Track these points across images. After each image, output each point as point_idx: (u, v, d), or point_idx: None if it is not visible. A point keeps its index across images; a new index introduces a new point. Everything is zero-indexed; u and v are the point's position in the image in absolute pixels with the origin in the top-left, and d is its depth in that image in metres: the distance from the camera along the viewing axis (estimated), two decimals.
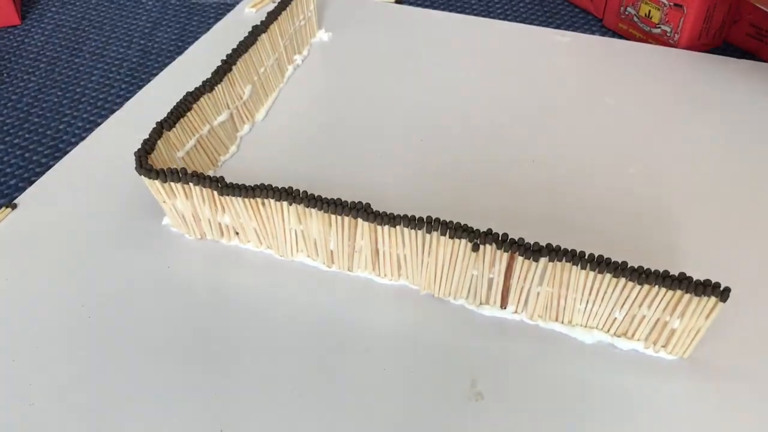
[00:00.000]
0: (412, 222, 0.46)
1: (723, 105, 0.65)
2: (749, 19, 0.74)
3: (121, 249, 0.53)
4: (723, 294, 0.41)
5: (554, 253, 0.43)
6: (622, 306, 0.44)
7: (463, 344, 0.46)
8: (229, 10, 0.84)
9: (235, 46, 0.62)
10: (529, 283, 0.45)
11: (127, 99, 0.70)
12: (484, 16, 0.83)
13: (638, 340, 0.45)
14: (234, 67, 0.61)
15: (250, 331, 0.47)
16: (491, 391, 0.43)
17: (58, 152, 0.65)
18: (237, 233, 0.53)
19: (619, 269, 0.42)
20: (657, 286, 0.42)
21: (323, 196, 0.47)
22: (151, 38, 0.81)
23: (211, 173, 0.59)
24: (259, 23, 0.65)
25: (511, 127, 0.63)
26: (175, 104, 0.56)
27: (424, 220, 0.45)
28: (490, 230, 0.44)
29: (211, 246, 0.53)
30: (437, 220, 0.45)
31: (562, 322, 0.47)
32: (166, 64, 0.75)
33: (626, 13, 0.77)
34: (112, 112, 0.69)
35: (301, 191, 0.47)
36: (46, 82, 0.75)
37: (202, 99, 0.57)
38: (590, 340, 0.46)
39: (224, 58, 0.61)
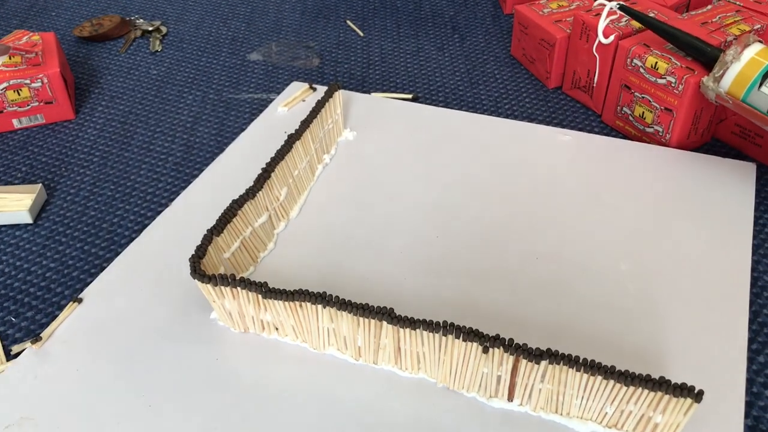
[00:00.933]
0: (430, 326, 0.53)
1: (708, 202, 0.73)
2: (734, 119, 0.81)
3: (175, 342, 0.60)
4: (697, 396, 0.48)
5: (554, 357, 0.50)
6: (612, 402, 0.51)
7: None
8: (263, 104, 0.93)
9: (272, 151, 0.71)
10: (532, 380, 0.52)
11: (174, 192, 0.79)
12: (492, 111, 0.91)
13: (627, 431, 0.52)
14: (273, 174, 0.69)
15: (285, 417, 0.54)
16: None
17: (113, 245, 0.74)
18: (276, 328, 0.60)
19: (608, 372, 0.49)
20: (641, 388, 0.49)
21: (352, 301, 0.55)
22: (193, 132, 0.90)
23: (252, 269, 0.67)
24: (293, 131, 0.74)
25: (518, 223, 0.71)
26: (222, 211, 0.64)
27: (441, 324, 0.53)
28: (497, 335, 0.52)
29: (253, 339, 0.61)
30: (452, 324, 0.52)
31: (561, 414, 0.54)
32: (207, 158, 0.84)
33: (622, 112, 0.85)
34: (161, 205, 0.77)
35: (333, 296, 0.55)
36: (100, 176, 0.83)
37: (245, 205, 0.66)
38: (585, 430, 0.53)
39: (264, 166, 0.69)
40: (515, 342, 0.51)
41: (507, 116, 0.90)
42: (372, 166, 0.79)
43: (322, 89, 0.92)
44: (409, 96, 0.94)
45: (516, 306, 0.63)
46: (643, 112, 0.82)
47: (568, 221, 0.71)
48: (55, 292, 0.69)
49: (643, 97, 0.81)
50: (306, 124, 0.75)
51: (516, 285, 0.65)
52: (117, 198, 0.80)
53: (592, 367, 0.50)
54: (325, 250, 0.69)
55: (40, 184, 0.79)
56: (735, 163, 0.78)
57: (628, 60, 0.81)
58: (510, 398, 0.55)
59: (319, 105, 0.77)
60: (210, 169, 0.80)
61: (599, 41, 0.84)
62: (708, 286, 0.64)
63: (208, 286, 0.58)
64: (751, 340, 0.62)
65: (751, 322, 0.63)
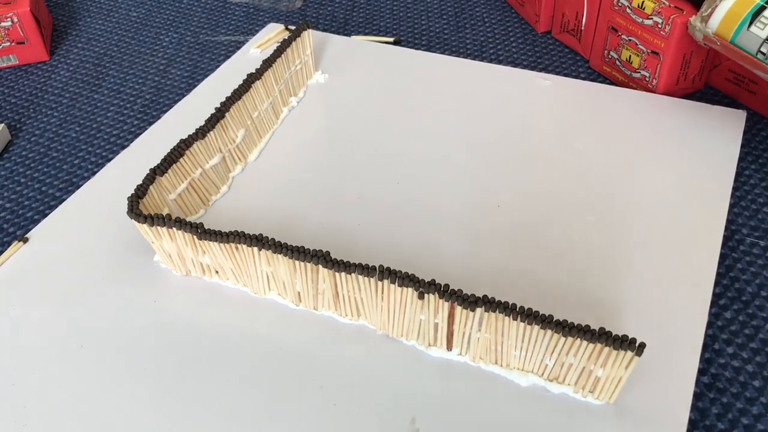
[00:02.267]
0: (366, 270, 0.50)
1: (690, 151, 0.68)
2: (727, 65, 0.76)
3: (115, 284, 0.59)
4: (638, 349, 0.45)
5: (489, 304, 0.48)
6: (551, 354, 0.48)
7: (409, 382, 0.51)
8: (239, 48, 0.90)
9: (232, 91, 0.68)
10: (469, 329, 0.50)
11: (138, 134, 0.77)
12: (476, 56, 0.87)
13: (568, 384, 0.49)
14: (227, 114, 0.67)
15: (220, 361, 0.52)
16: (429, 428, 0.48)
17: (71, 186, 0.72)
18: (217, 272, 0.58)
19: (545, 322, 0.46)
20: (579, 339, 0.46)
21: (288, 244, 0.52)
22: (165, 75, 0.87)
23: (202, 212, 0.65)
24: (254, 70, 0.71)
25: (483, 170, 0.68)
26: (168, 151, 0.62)
27: (376, 268, 0.50)
28: (433, 281, 0.49)
29: (194, 282, 0.59)
30: (388, 269, 0.50)
31: (501, 366, 0.51)
32: (176, 100, 0.82)
33: (609, 56, 0.80)
34: (123, 147, 0.75)
35: (269, 238, 0.53)
36: (67, 118, 0.82)
37: (194, 145, 0.63)
38: (525, 383, 0.50)
39: (218, 105, 0.67)
40: (450, 288, 0.49)
41: (492, 59, 0.86)
42: (339, 111, 0.76)
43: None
44: (391, 39, 0.90)
45: (471, 255, 0.60)
46: (630, 56, 0.77)
47: (537, 169, 0.68)
48: (7, 231, 0.68)
49: (629, 40, 0.76)
50: (268, 63, 0.72)
51: (473, 233, 0.62)
52: (81, 140, 0.78)
53: (529, 316, 0.47)
54: (281, 195, 0.67)
55: (3, 125, 0.78)
56: (723, 110, 0.73)
57: (615, 0, 0.76)
58: (449, 347, 0.52)
59: (285, 44, 0.74)
60: (174, 110, 0.77)
61: None
62: (678, 239, 0.60)
63: (145, 226, 0.56)
64: (719, 295, 0.58)
65: (722, 276, 0.60)
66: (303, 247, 0.52)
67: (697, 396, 0.52)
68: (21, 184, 0.73)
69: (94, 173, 0.72)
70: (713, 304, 0.58)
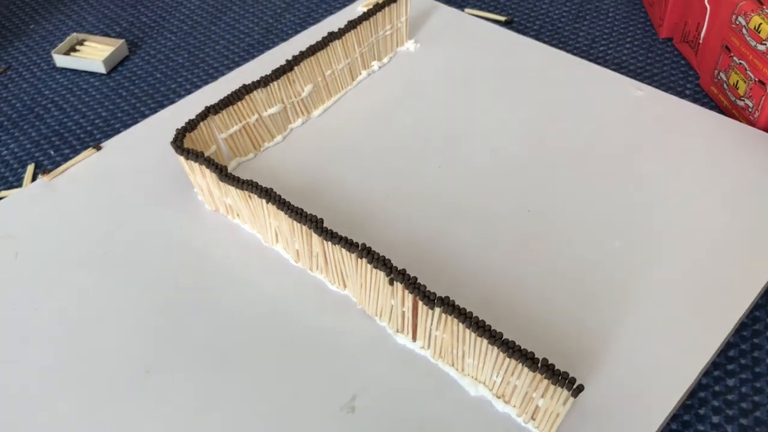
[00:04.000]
0: (348, 244, 0.52)
1: (759, 202, 0.62)
2: None
3: (156, 205, 0.64)
4: (575, 390, 0.43)
5: (448, 306, 0.47)
6: (498, 371, 0.47)
7: (367, 361, 0.52)
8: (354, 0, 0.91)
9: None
10: (430, 326, 0.50)
11: (233, 70, 0.82)
12: (583, 50, 0.82)
13: (513, 406, 0.48)
14: (296, 68, 0.69)
15: (212, 297, 0.56)
16: (364, 409, 0.49)
17: (160, 108, 0.78)
18: (238, 214, 0.62)
19: (493, 337, 0.45)
20: (521, 363, 0.45)
21: (290, 203, 0.55)
22: (279, 18, 0.91)
23: (251, 155, 0.69)
24: (337, 29, 0.73)
25: (530, 171, 0.65)
26: (228, 94, 0.66)
27: (357, 245, 0.51)
28: (404, 270, 0.49)
29: (219, 219, 0.63)
30: (368, 249, 0.51)
31: (457, 369, 0.51)
32: (277, 44, 0.86)
33: (718, 77, 0.73)
34: (216, 80, 0.81)
35: (276, 194, 0.55)
36: (181, 44, 0.88)
37: (254, 92, 0.66)
38: (475, 392, 0.50)
39: (289, 59, 0.69)
40: (417, 281, 0.49)
41: (597, 57, 0.81)
42: (415, 84, 0.76)
43: None
44: (503, 19, 0.87)
45: (483, 254, 0.59)
46: (738, 81, 0.70)
47: (586, 182, 0.64)
48: (95, 137, 0.76)
49: (740, 63, 0.69)
50: (352, 25, 0.73)
51: (494, 232, 0.60)
52: (185, 66, 0.85)
53: (480, 327, 0.46)
54: (328, 155, 0.69)
55: (123, 41, 0.86)
56: None
57: (733, 17, 0.69)
58: (413, 338, 0.52)
59: (376, 8, 0.75)
60: (269, 53, 0.81)
61: None
62: (703, 288, 0.55)
63: (181, 157, 0.61)
64: (732, 359, 0.53)
65: (744, 339, 0.54)
66: (302, 209, 0.54)
67: None
68: (121, 97, 0.81)
69: (182, 97, 0.78)
70: (720, 366, 0.53)
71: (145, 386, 0.51)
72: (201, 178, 0.61)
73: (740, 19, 0.68)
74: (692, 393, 0.52)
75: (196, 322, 0.55)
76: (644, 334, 0.53)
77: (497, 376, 0.48)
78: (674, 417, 0.50)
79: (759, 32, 0.66)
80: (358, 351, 0.53)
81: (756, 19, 0.66)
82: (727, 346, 0.54)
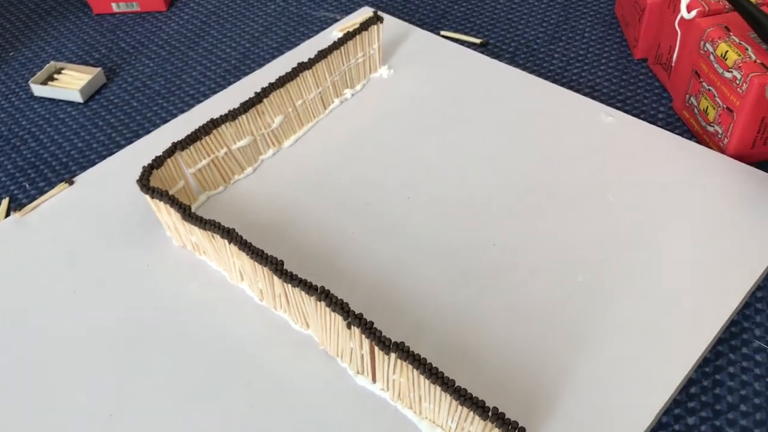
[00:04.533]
0: (308, 287, 0.52)
1: (731, 229, 0.61)
2: None
3: (125, 240, 0.65)
4: None
5: (403, 352, 0.48)
6: (452, 416, 0.47)
7: (327, 403, 0.52)
8: (332, 24, 0.92)
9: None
10: (387, 370, 0.50)
11: (209, 97, 0.82)
12: (557, 73, 0.82)
13: None
14: (265, 100, 0.69)
15: (177, 335, 0.57)
16: None
17: (135, 138, 0.79)
18: (204, 252, 0.62)
19: (445, 385, 0.46)
20: (471, 411, 0.45)
21: (251, 245, 0.55)
22: (256, 43, 0.92)
23: (221, 189, 0.69)
24: (307, 59, 0.73)
25: (498, 202, 0.65)
26: (196, 128, 0.66)
27: (316, 289, 0.52)
28: (361, 314, 0.50)
29: (186, 256, 0.63)
30: (326, 292, 0.51)
31: (415, 412, 0.51)
32: (255, 71, 0.86)
33: (689, 102, 0.73)
34: (192, 107, 0.81)
35: (237, 234, 0.56)
36: (158, 70, 0.89)
37: (222, 126, 0.67)
38: None
39: (258, 90, 0.70)
40: (374, 326, 0.49)
41: (571, 80, 0.81)
42: (388, 111, 0.76)
43: (389, 19, 0.88)
44: (478, 41, 0.87)
45: (445, 289, 0.59)
46: (708, 107, 0.70)
47: (553, 213, 0.64)
48: (71, 169, 0.76)
49: (709, 89, 0.69)
50: (323, 54, 0.73)
51: (458, 267, 0.60)
52: (161, 94, 0.85)
53: (433, 375, 0.46)
54: (298, 186, 0.69)
55: (100, 69, 0.86)
56: None
57: (702, 43, 0.69)
58: (373, 380, 0.53)
59: (348, 36, 0.75)
60: (240, 83, 0.81)
61: (682, 14, 0.72)
62: (665, 326, 0.55)
63: (147, 196, 0.61)
64: (693, 396, 0.53)
65: (706, 375, 0.54)
66: (263, 251, 0.54)
67: None
68: (97, 127, 0.81)
69: (158, 128, 0.78)
70: (681, 404, 0.53)
71: (108, 430, 0.52)
72: (167, 215, 0.62)
73: (708, 45, 0.68)
74: None
75: (162, 362, 0.55)
76: (604, 372, 0.53)
77: (452, 422, 0.48)
78: None
79: (725, 60, 0.65)
80: (319, 392, 0.53)
81: (723, 47, 0.66)
82: (689, 382, 0.54)
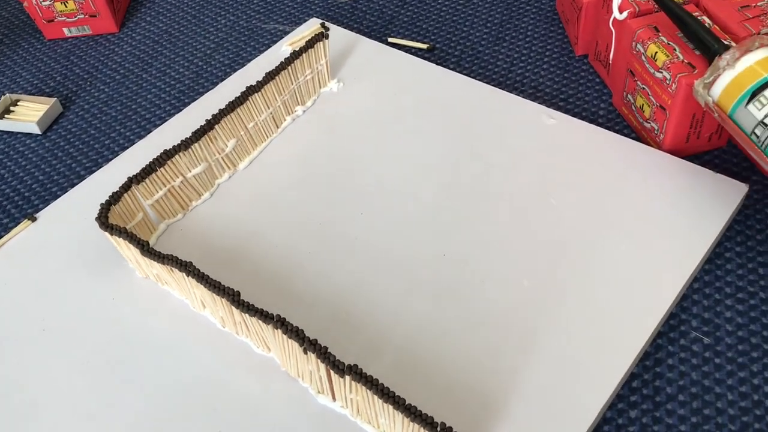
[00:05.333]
0: (265, 316, 0.55)
1: (669, 223, 0.65)
2: None
3: (90, 274, 0.67)
4: None
5: (357, 375, 0.50)
6: (407, 431, 0.50)
7: (292, 422, 0.55)
8: (283, 37, 0.93)
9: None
10: (344, 390, 0.53)
11: (165, 121, 0.84)
12: (503, 74, 0.85)
13: None
14: (217, 126, 0.71)
15: (143, 363, 0.59)
16: None
17: (95, 167, 0.80)
18: (166, 282, 0.64)
19: (396, 403, 0.49)
20: (422, 428, 0.48)
21: (208, 276, 0.57)
22: (208, 61, 0.93)
23: (180, 216, 0.71)
24: (255, 82, 0.75)
25: (446, 212, 0.68)
26: (150, 161, 0.68)
27: (272, 317, 0.54)
28: (315, 340, 0.52)
29: (150, 286, 0.65)
30: (282, 320, 0.54)
31: (374, 426, 0.54)
32: (210, 89, 0.87)
33: (627, 99, 0.76)
34: (149, 132, 0.83)
35: (194, 267, 0.58)
36: (114, 95, 0.90)
37: (176, 156, 0.69)
38: None
39: (209, 117, 0.71)
40: (328, 350, 0.52)
41: (515, 81, 0.84)
42: (338, 126, 0.78)
43: (337, 30, 0.90)
44: (425, 46, 0.90)
45: (400, 302, 0.62)
46: (643, 105, 0.72)
47: (499, 220, 0.67)
48: (33, 204, 0.78)
49: (643, 88, 0.72)
50: (270, 76, 0.75)
51: (412, 279, 0.63)
52: (117, 120, 0.86)
53: (384, 394, 0.49)
54: (255, 208, 0.71)
55: (55, 99, 0.87)
56: (724, 181, 0.67)
57: (633, 43, 0.71)
58: (333, 398, 0.56)
59: (294, 56, 0.77)
60: (194, 105, 0.83)
61: (614, 15, 0.74)
62: (606, 323, 0.59)
63: (106, 233, 0.63)
64: (635, 390, 0.57)
65: (647, 369, 0.58)
66: (219, 282, 0.57)
67: None
68: (57, 158, 0.83)
69: (117, 155, 0.80)
70: (624, 398, 0.56)
71: None
72: (127, 250, 0.64)
73: (639, 46, 0.70)
74: (597, 427, 0.55)
75: (132, 391, 0.58)
76: (550, 374, 0.56)
77: None
78: None
79: (656, 60, 0.68)
80: (283, 413, 0.56)
81: (652, 48, 0.69)
82: (631, 377, 0.58)
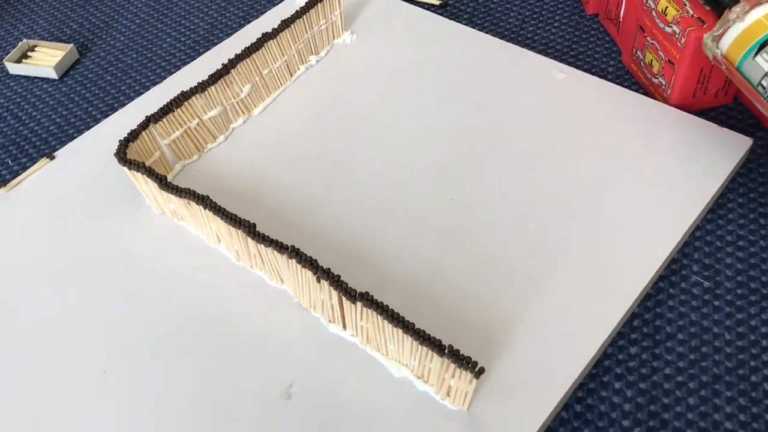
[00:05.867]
0: (279, 246, 0.56)
1: (673, 172, 0.66)
2: None
3: (107, 210, 0.69)
4: (477, 372, 0.48)
5: (368, 301, 0.52)
6: (415, 356, 0.52)
7: (304, 350, 0.57)
8: None
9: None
10: (356, 317, 0.55)
11: (179, 69, 0.85)
12: (514, 31, 0.86)
13: (431, 385, 0.53)
14: (233, 71, 0.73)
15: (157, 296, 0.61)
16: (300, 394, 0.54)
17: (111, 111, 0.82)
18: (182, 217, 0.66)
19: (406, 328, 0.51)
20: (431, 350, 0.50)
21: (225, 209, 0.59)
22: (223, 12, 0.94)
23: (195, 157, 0.73)
24: (271, 29, 0.76)
25: (456, 159, 0.70)
26: (168, 101, 0.69)
27: (287, 247, 0.56)
28: (329, 269, 0.54)
29: (166, 222, 0.67)
30: (296, 250, 0.55)
31: (382, 353, 0.56)
32: (223, 39, 0.88)
33: (636, 55, 0.77)
34: (163, 79, 0.84)
35: (211, 200, 0.60)
36: (129, 43, 0.91)
37: (193, 98, 0.70)
38: (398, 374, 0.55)
39: (225, 62, 0.73)
40: (340, 278, 0.54)
41: (526, 37, 0.85)
42: (351, 77, 0.80)
43: None
44: (438, 2, 0.91)
45: (408, 244, 0.63)
46: (652, 60, 0.74)
47: (507, 167, 0.69)
48: (50, 145, 0.79)
49: (652, 43, 0.73)
50: (286, 24, 0.76)
51: (419, 223, 0.65)
52: (133, 67, 0.88)
53: (395, 319, 0.51)
54: (269, 152, 0.73)
55: (72, 45, 0.89)
56: (728, 134, 0.69)
57: None
58: (344, 327, 0.57)
59: (309, 5, 0.78)
60: (209, 53, 0.84)
61: None
62: (610, 264, 0.60)
63: (124, 168, 0.65)
64: (635, 328, 0.59)
65: (648, 309, 0.60)
66: (236, 215, 0.59)
67: (562, 421, 0.54)
68: (74, 102, 0.84)
69: (132, 100, 0.81)
70: (625, 335, 0.58)
71: (104, 385, 0.56)
72: (145, 185, 0.65)
73: (650, 1, 0.72)
74: (598, 362, 0.57)
75: (149, 321, 0.60)
76: (553, 311, 0.58)
77: (415, 360, 0.53)
78: (581, 385, 0.56)
79: (666, 15, 0.69)
80: (295, 340, 0.58)
81: (663, 2, 0.70)
82: (632, 316, 0.59)
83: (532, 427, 0.52)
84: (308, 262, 0.55)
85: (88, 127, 0.80)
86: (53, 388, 0.56)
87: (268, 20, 0.87)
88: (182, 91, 0.70)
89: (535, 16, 0.88)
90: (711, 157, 0.67)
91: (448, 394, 0.53)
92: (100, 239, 0.66)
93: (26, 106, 0.84)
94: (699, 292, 0.61)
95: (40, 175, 0.73)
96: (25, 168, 0.76)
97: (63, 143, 0.79)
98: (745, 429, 0.53)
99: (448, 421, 0.52)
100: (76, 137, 0.78)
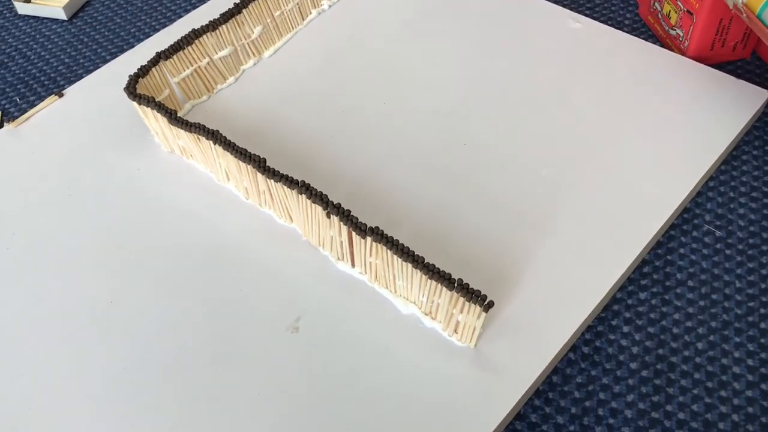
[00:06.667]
0: (289, 182, 0.56)
1: (688, 123, 0.65)
2: None
3: (117, 147, 0.68)
4: (486, 306, 0.48)
5: (378, 236, 0.52)
6: (422, 291, 0.52)
7: (310, 287, 0.57)
8: None
9: None
10: (365, 253, 0.54)
11: (189, 12, 0.84)
12: None
13: (439, 321, 0.53)
14: (244, 11, 0.72)
15: (166, 232, 0.61)
16: (307, 328, 0.54)
17: (120, 53, 0.81)
18: (191, 155, 0.66)
19: (416, 262, 0.50)
20: (439, 284, 0.50)
21: (235, 144, 0.58)
22: None
23: (205, 97, 0.72)
24: None
25: (468, 104, 0.69)
26: (179, 38, 0.68)
27: (297, 182, 0.55)
28: (339, 204, 0.54)
29: (175, 160, 0.67)
30: (306, 185, 0.55)
31: (391, 290, 0.56)
32: None
33: (654, 7, 0.76)
34: (173, 22, 0.83)
35: (221, 135, 0.59)
36: None
37: (204, 36, 0.69)
38: (406, 310, 0.55)
39: (237, 1, 0.72)
40: (350, 213, 0.53)
41: None
42: (362, 21, 0.79)
43: None
44: None
45: (419, 185, 0.63)
46: (670, 11, 0.73)
47: (519, 114, 0.68)
48: (59, 84, 0.79)
49: None
50: None
51: (431, 165, 0.64)
52: (143, 10, 0.87)
53: (405, 253, 0.51)
54: (279, 95, 0.72)
55: None
56: (745, 86, 0.68)
57: None
58: (352, 264, 0.57)
59: None
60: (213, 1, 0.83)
61: None
62: (621, 209, 0.60)
63: (134, 103, 0.64)
64: (645, 275, 0.58)
65: (658, 257, 0.59)
66: (246, 150, 0.58)
67: (569, 362, 0.54)
68: (83, 43, 0.83)
69: (141, 41, 0.81)
70: (635, 281, 0.58)
71: (110, 315, 0.56)
72: (154, 121, 0.65)
73: None
74: (606, 306, 0.57)
75: (156, 256, 0.60)
76: (563, 254, 0.57)
77: (423, 296, 0.53)
78: (589, 328, 0.56)
79: None
80: (304, 277, 0.58)
81: None
82: (643, 263, 0.59)
83: (540, 365, 0.51)
84: (318, 197, 0.54)
85: (97, 68, 0.79)
86: (59, 315, 0.56)
87: None
88: (193, 29, 0.69)
89: None
90: (727, 109, 0.66)
91: (455, 331, 0.53)
92: (108, 175, 0.66)
93: (35, 46, 0.83)
94: (711, 241, 0.60)
95: (48, 111, 0.72)
96: (33, 105, 0.76)
97: (72, 83, 0.78)
98: (753, 373, 0.52)
99: (454, 358, 0.52)
100: (85, 77, 0.78)
